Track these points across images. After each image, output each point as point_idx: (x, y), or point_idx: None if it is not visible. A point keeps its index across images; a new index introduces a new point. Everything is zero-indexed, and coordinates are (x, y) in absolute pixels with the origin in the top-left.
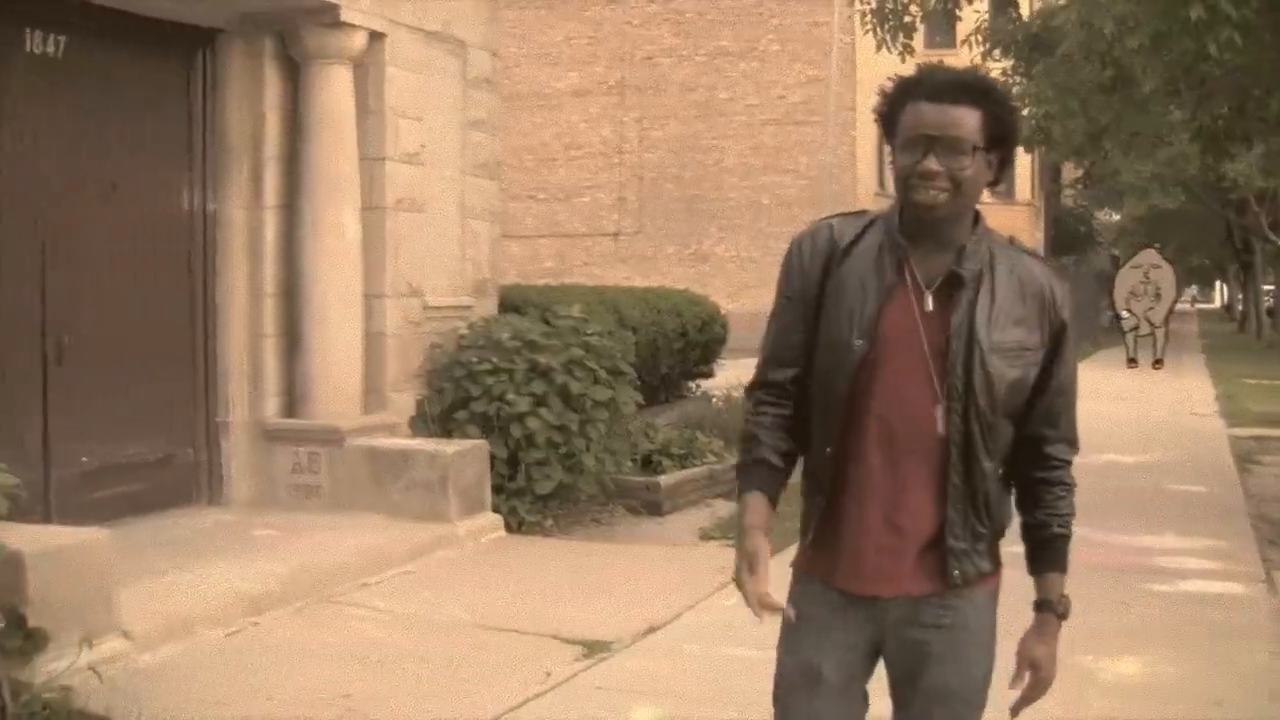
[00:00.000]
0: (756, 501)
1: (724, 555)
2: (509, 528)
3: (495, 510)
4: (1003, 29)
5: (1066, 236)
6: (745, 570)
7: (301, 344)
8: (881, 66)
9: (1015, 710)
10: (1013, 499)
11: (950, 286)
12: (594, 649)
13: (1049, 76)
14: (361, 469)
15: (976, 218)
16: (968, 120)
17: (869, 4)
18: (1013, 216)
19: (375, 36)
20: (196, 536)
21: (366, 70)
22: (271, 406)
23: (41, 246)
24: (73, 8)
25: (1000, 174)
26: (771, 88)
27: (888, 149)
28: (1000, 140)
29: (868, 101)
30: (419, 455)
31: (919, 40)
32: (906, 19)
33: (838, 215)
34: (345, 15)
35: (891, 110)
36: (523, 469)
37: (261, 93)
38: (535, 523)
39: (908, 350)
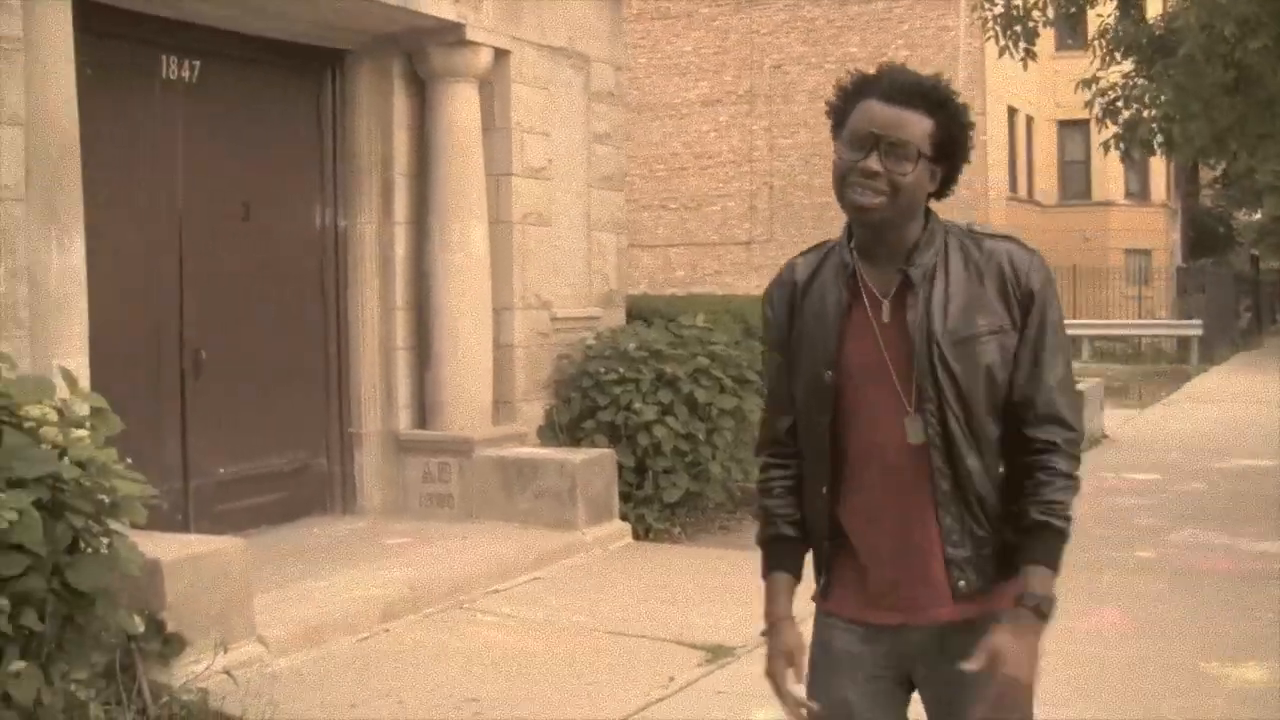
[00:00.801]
0: (779, 586)
1: None
2: (636, 535)
3: (623, 518)
4: (1126, 31)
5: (1205, 238)
6: (780, 667)
7: (432, 356)
8: (1010, 71)
9: (986, 715)
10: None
11: (904, 291)
12: (718, 654)
13: (1169, 78)
14: (491, 478)
15: (927, 215)
16: (918, 126)
17: (992, 10)
18: (1148, 218)
19: (500, 54)
20: (330, 544)
21: (492, 87)
22: (403, 418)
23: (179, 265)
24: (206, 34)
25: (943, 189)
26: None
27: (1003, 149)
28: (948, 153)
29: (998, 107)
30: (548, 464)
31: (1048, 44)
32: (1029, 24)
33: (803, 252)
34: (470, 34)
35: (844, 105)
36: (650, 477)
37: (390, 111)
38: (662, 530)
39: (876, 367)
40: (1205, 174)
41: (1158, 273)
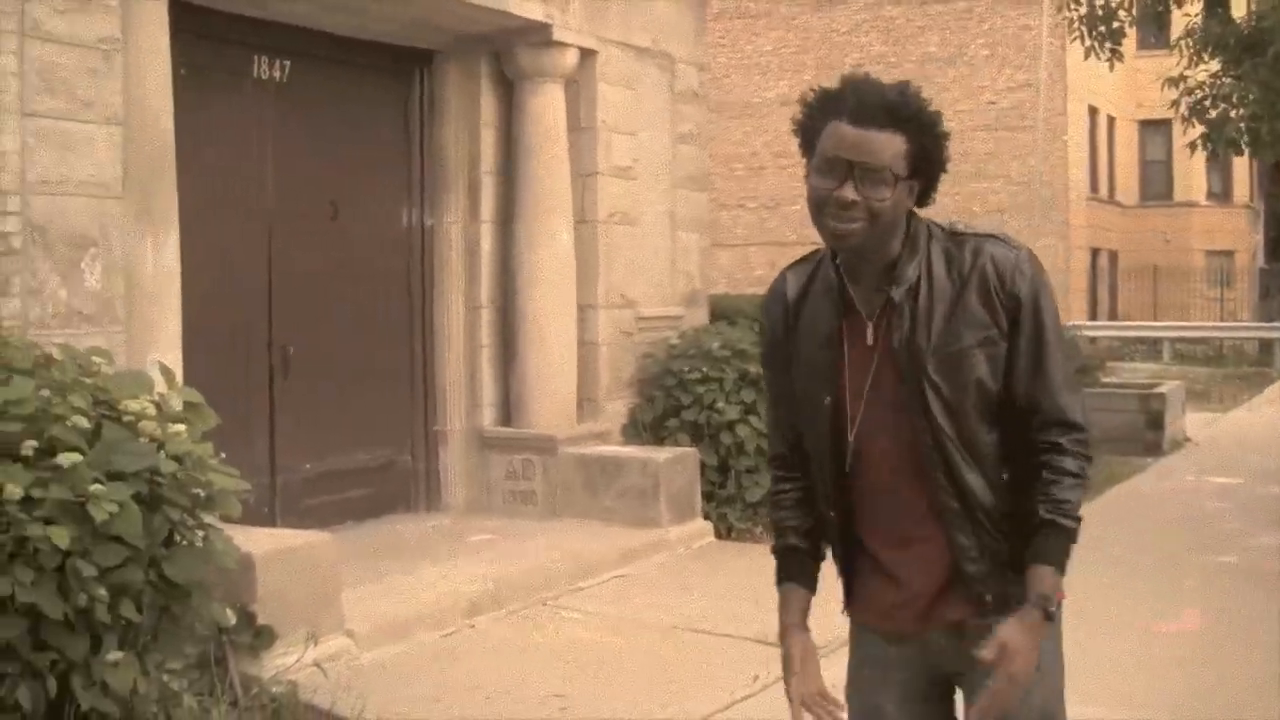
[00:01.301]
0: (790, 596)
1: None
2: (719, 534)
3: (705, 517)
4: (1213, 31)
5: None
6: (788, 671)
7: (517, 354)
8: (1091, 70)
9: (984, 711)
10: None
11: (889, 310)
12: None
13: (1256, 76)
14: (575, 476)
15: (909, 220)
16: (890, 146)
17: (1078, 10)
18: (1230, 219)
19: (586, 54)
20: (415, 540)
21: (578, 87)
22: (487, 415)
23: (269, 263)
24: (297, 34)
25: (923, 200)
26: (981, 93)
27: (1084, 149)
28: (924, 168)
29: (1079, 107)
30: (631, 462)
31: (1130, 43)
32: (1115, 24)
33: (792, 264)
34: (557, 34)
35: (811, 124)
36: (732, 476)
37: (477, 111)
38: (745, 529)
39: (871, 387)
40: None
41: (1240, 274)
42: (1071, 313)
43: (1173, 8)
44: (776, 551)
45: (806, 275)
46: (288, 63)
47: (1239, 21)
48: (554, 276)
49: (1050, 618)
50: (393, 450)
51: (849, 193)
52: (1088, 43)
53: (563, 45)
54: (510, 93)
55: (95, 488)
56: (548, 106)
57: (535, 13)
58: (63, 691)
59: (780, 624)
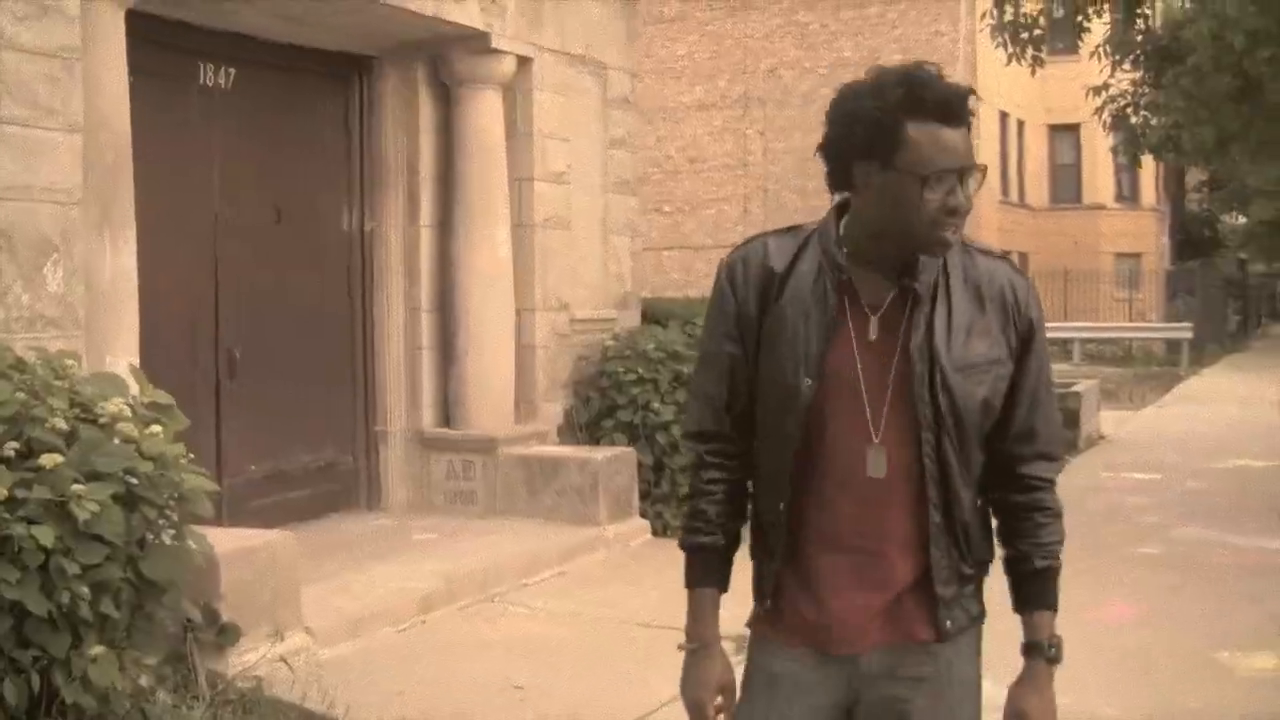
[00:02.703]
0: (705, 603)
1: None
2: (655, 532)
3: (642, 515)
4: (1131, 40)
5: (1192, 241)
6: (708, 698)
7: (456, 356)
8: (1001, 75)
9: None
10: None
11: (902, 306)
12: (741, 643)
13: (1178, 86)
14: (515, 475)
15: None
16: (972, 141)
17: (1000, 18)
18: (1138, 221)
19: (523, 61)
20: (360, 539)
21: (515, 94)
22: (428, 416)
23: (214, 266)
24: (242, 41)
25: None
26: None
27: (995, 153)
28: None
29: (990, 111)
30: (570, 462)
31: None
32: (1037, 32)
33: (771, 233)
34: (495, 42)
35: (885, 126)
36: (668, 475)
37: (416, 117)
38: (679, 526)
39: (849, 386)
40: (1192, 177)
41: (1147, 276)
42: None
43: (1093, 17)
44: (690, 548)
45: (794, 249)
46: (233, 70)
47: (1157, 30)
48: (492, 279)
49: (1057, 662)
50: (335, 451)
51: (961, 199)
52: (1010, 49)
53: (500, 53)
54: (448, 98)
55: (76, 488)
56: (485, 113)
57: (475, 20)
58: (42, 687)
59: (697, 637)
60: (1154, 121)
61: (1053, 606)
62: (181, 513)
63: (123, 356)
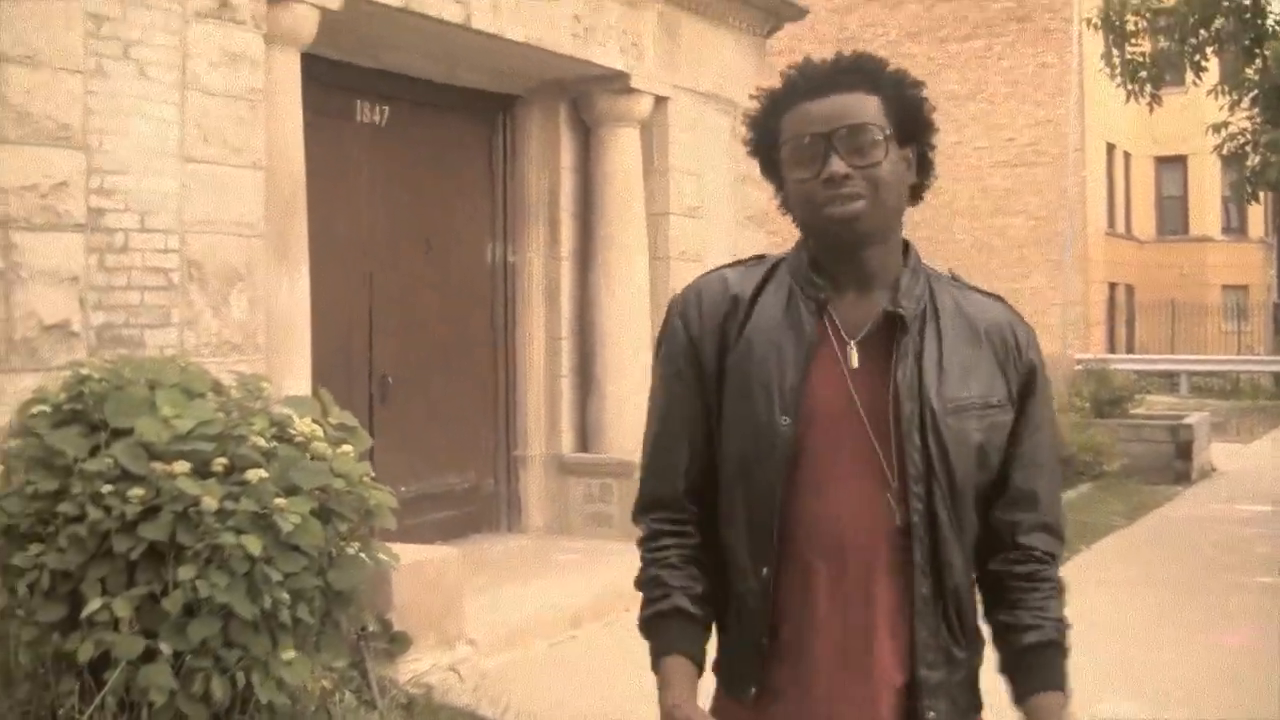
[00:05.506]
0: (679, 671)
1: None
2: None
3: None
4: (1248, 78)
5: None
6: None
7: (595, 384)
8: (1109, 105)
9: None
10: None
11: (887, 333)
12: None
13: None
14: None
15: (907, 247)
16: (866, 106)
17: (1119, 57)
18: (1245, 253)
19: (659, 100)
20: (504, 559)
21: (651, 131)
22: (566, 441)
23: (369, 294)
24: (396, 80)
25: (924, 175)
26: (1000, 130)
27: (1102, 185)
28: (911, 130)
29: (1097, 143)
30: None
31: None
32: (1154, 71)
33: (728, 265)
34: (634, 82)
35: (766, 127)
36: None
37: (557, 153)
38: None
39: (846, 423)
40: None
41: (1255, 309)
42: (1090, 346)
43: (1211, 57)
44: (653, 619)
45: (760, 277)
46: (387, 108)
47: (1273, 69)
48: (629, 310)
49: None
50: (478, 474)
51: (838, 165)
52: (1128, 88)
53: (638, 92)
54: (588, 136)
55: (278, 501)
56: (624, 150)
57: (616, 62)
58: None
59: (667, 707)
60: (1273, 159)
61: (1062, 688)
62: (367, 527)
63: (296, 380)
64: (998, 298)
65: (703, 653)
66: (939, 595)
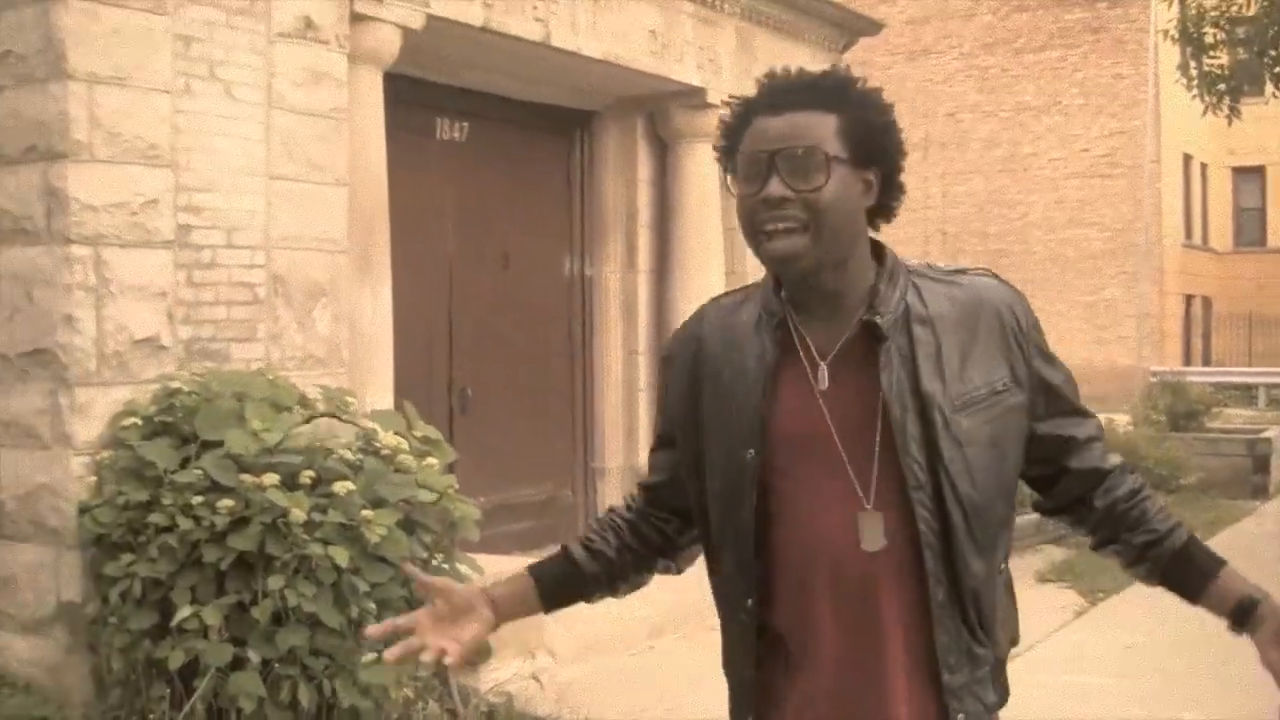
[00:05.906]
0: (510, 577)
1: (1063, 596)
2: None
3: None
4: None
5: None
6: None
7: None
8: (1185, 115)
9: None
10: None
11: (867, 346)
12: None
13: None
14: None
15: (881, 250)
16: (818, 126)
17: (1195, 70)
18: None
19: None
20: None
21: None
22: (643, 454)
23: (449, 308)
24: (476, 98)
25: (888, 197)
26: (1075, 141)
27: (1178, 196)
28: (871, 150)
29: (1173, 154)
30: None
31: None
32: (1232, 84)
33: (725, 294)
34: (711, 97)
35: (732, 140)
36: None
37: (634, 168)
38: None
39: (819, 446)
40: None
41: None
42: (1166, 359)
43: None
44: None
45: (733, 307)
46: (466, 124)
47: None
48: None
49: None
50: (555, 486)
51: (774, 188)
52: (1206, 99)
53: (715, 107)
54: (664, 151)
55: (365, 513)
56: (700, 165)
57: (692, 77)
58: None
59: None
60: None
61: (1225, 562)
62: (450, 538)
63: (379, 393)
64: (983, 271)
65: (552, 579)
66: (956, 599)
